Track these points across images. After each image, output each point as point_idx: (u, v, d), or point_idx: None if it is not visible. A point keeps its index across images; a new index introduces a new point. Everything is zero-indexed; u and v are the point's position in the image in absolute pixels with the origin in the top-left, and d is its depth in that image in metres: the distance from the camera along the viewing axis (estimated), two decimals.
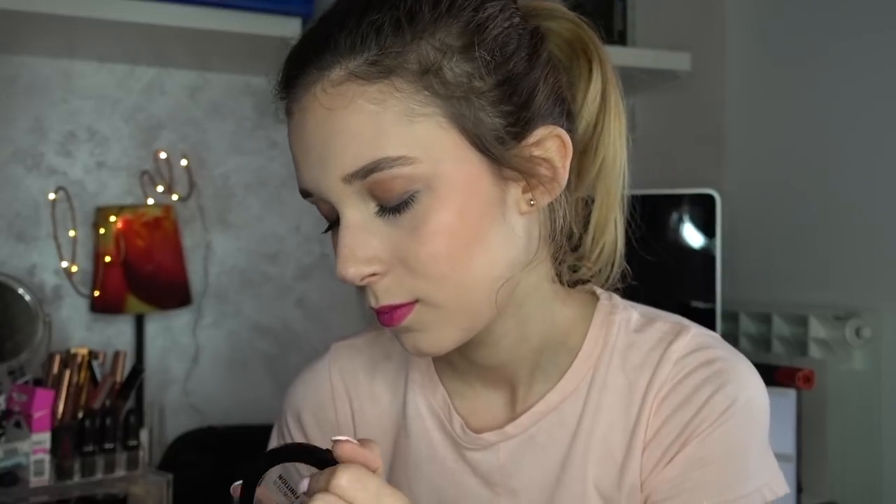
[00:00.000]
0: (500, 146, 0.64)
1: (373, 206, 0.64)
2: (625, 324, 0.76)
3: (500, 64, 0.64)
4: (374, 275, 0.64)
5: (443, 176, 0.63)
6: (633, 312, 0.77)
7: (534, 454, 0.74)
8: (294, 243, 1.86)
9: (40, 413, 1.35)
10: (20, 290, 1.58)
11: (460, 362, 0.76)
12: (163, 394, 1.75)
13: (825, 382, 1.51)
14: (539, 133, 0.66)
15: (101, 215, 1.65)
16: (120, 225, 1.62)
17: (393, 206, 0.63)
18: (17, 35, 1.56)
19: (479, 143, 0.64)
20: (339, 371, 0.84)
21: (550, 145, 0.67)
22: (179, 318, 1.77)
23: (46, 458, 1.35)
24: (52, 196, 1.66)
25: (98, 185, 1.72)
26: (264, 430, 1.71)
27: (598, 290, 0.78)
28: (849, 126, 1.58)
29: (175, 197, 1.75)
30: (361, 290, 0.67)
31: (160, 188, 1.74)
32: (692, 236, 1.67)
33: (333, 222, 0.67)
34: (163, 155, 1.75)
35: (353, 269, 0.64)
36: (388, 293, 0.65)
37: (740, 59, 1.80)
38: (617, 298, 0.78)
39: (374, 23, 0.62)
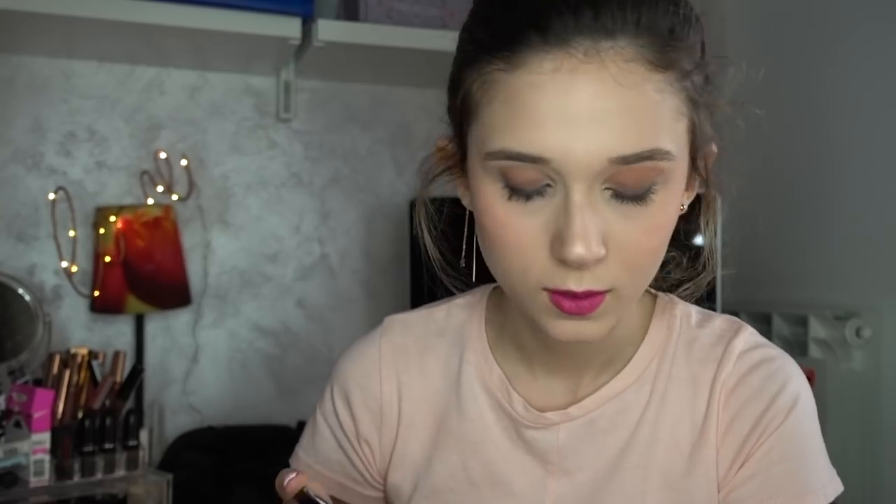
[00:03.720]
0: (700, 153, 0.68)
1: (607, 191, 0.62)
2: (686, 318, 0.78)
3: (715, 80, 0.68)
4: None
5: (677, 175, 0.65)
6: (691, 308, 0.79)
7: (593, 438, 0.74)
8: (294, 243, 1.86)
9: (40, 413, 1.35)
10: (20, 290, 1.58)
11: (535, 348, 0.76)
12: (162, 394, 1.75)
13: (825, 382, 1.51)
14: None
15: (100, 215, 1.65)
16: (120, 225, 1.62)
17: (630, 196, 0.62)
18: (17, 35, 1.56)
19: (695, 149, 0.67)
20: (389, 344, 0.84)
21: (709, 152, 0.72)
22: (179, 318, 1.77)
23: (46, 458, 1.35)
24: (51, 196, 1.66)
25: (98, 185, 1.72)
26: (264, 431, 1.73)
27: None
28: (848, 126, 1.58)
29: (175, 197, 1.75)
30: (543, 271, 0.63)
31: (160, 188, 1.74)
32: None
33: (531, 192, 0.63)
34: (162, 155, 1.75)
35: (595, 248, 0.60)
36: (596, 279, 0.63)
37: (739, 59, 1.80)
38: (672, 295, 0.80)
39: (669, 9, 0.62)
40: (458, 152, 0.72)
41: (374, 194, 1.92)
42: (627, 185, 0.61)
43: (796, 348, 1.60)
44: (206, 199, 1.80)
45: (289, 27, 1.56)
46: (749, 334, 0.76)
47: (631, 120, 0.60)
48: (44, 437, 1.35)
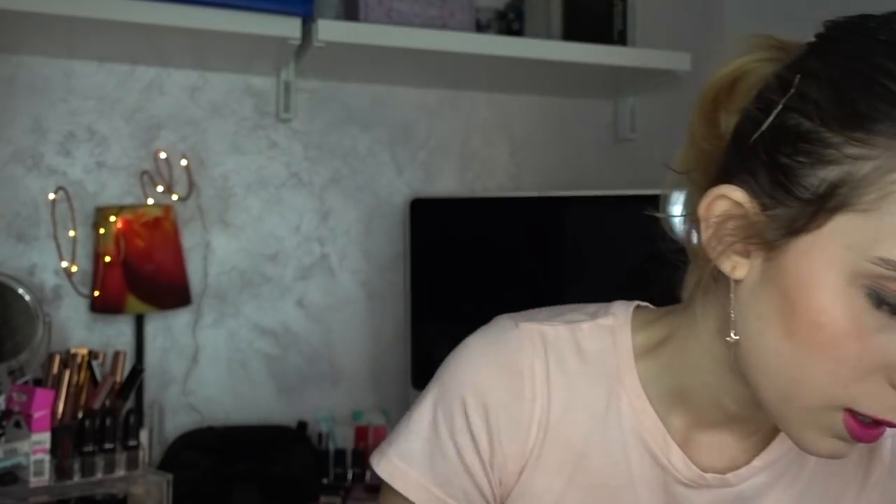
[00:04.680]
0: None
1: None
2: None
3: None
4: None
5: None
6: None
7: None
8: (294, 243, 1.86)
9: (40, 413, 1.35)
10: (20, 290, 1.58)
11: (707, 407, 0.70)
12: (162, 394, 1.75)
13: None
14: None
15: (100, 215, 1.65)
16: (120, 225, 1.62)
17: None
18: (17, 34, 1.56)
19: None
20: (536, 360, 0.71)
21: None
22: (179, 318, 1.77)
23: (46, 458, 1.35)
24: (51, 196, 1.66)
25: (98, 185, 1.72)
26: (264, 431, 1.73)
27: None
28: None
29: (175, 197, 1.75)
30: (862, 393, 0.57)
31: (160, 188, 1.74)
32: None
33: None
34: (162, 155, 1.75)
35: None
36: None
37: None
38: None
39: None
40: (775, 224, 0.60)
41: (373, 194, 1.92)
42: None
43: None
44: (206, 199, 1.80)
45: (289, 27, 1.56)
46: None
47: None
48: (44, 437, 1.35)
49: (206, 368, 1.79)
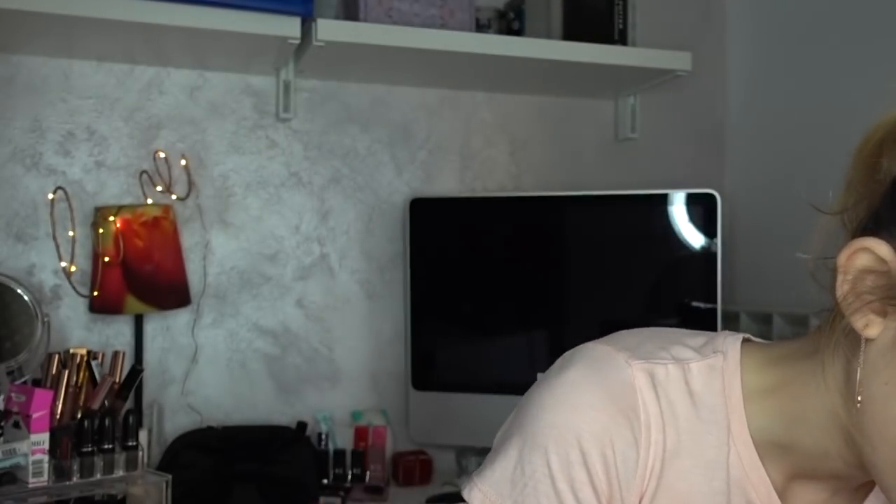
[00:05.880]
0: None
1: None
2: None
3: None
4: None
5: None
6: None
7: None
8: (294, 243, 1.86)
9: (39, 413, 1.35)
10: (19, 290, 1.57)
11: (813, 463, 0.66)
12: (162, 394, 1.75)
13: None
14: None
15: (99, 215, 1.64)
16: (119, 225, 1.62)
17: None
18: (16, 34, 1.56)
19: None
20: (654, 405, 0.65)
21: None
22: (178, 319, 1.76)
23: (45, 458, 1.35)
24: (50, 196, 1.66)
25: (97, 185, 1.72)
26: (263, 431, 1.72)
27: None
28: (848, 125, 1.58)
29: (174, 197, 1.75)
30: None
31: (159, 188, 1.74)
32: (693, 236, 1.67)
33: None
34: (162, 155, 1.75)
35: None
36: None
37: (740, 59, 1.79)
38: None
39: None
40: None
41: (373, 194, 1.92)
42: None
43: None
44: (206, 198, 1.79)
45: (288, 27, 1.55)
46: None
47: None
48: (43, 438, 1.35)
49: (206, 368, 1.79)
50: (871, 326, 0.59)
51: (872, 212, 0.61)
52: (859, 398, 0.59)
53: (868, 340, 0.59)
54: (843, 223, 0.65)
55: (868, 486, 0.70)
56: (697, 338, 0.70)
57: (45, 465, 1.35)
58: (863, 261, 0.59)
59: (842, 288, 0.60)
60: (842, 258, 0.60)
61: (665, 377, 0.66)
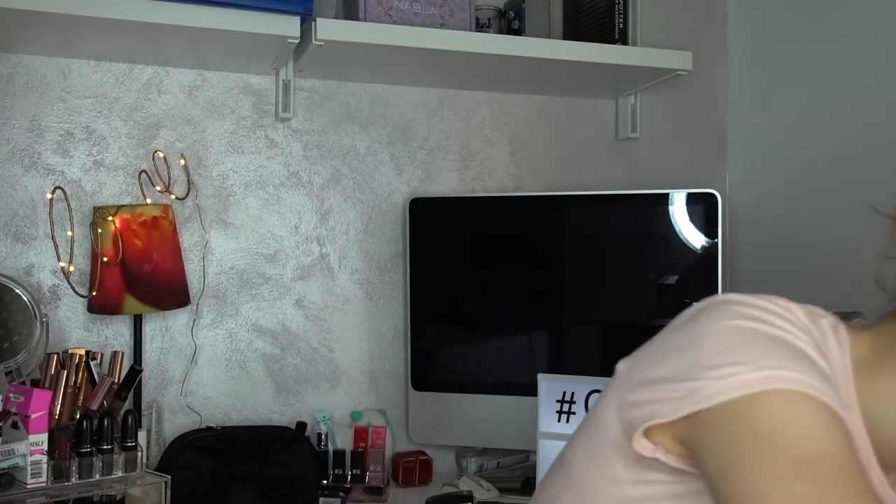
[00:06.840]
0: None
1: None
2: None
3: None
4: None
5: None
6: None
7: None
8: (293, 243, 1.86)
9: (38, 414, 1.34)
10: (17, 290, 1.57)
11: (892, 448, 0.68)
12: (161, 394, 1.74)
13: None
14: None
15: (98, 215, 1.64)
16: (118, 225, 1.62)
17: None
18: (15, 33, 1.55)
19: None
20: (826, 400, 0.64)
21: None
22: (177, 319, 1.76)
23: (44, 459, 1.34)
24: (49, 195, 1.66)
25: (96, 185, 1.71)
26: (263, 431, 1.72)
27: None
28: (849, 125, 1.57)
29: (173, 196, 1.75)
30: None
31: (158, 188, 1.74)
32: (693, 236, 1.66)
33: None
34: (161, 154, 1.74)
35: None
36: None
37: (741, 58, 1.79)
38: None
39: None
40: None
41: (373, 194, 1.91)
42: None
43: None
44: (205, 198, 1.79)
45: (288, 26, 1.55)
46: None
47: None
48: (41, 438, 1.34)
49: (205, 369, 1.79)
50: None
51: None
52: None
53: None
54: None
55: None
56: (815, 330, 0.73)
57: (44, 466, 1.34)
58: None
59: None
60: None
61: (812, 368, 0.67)
